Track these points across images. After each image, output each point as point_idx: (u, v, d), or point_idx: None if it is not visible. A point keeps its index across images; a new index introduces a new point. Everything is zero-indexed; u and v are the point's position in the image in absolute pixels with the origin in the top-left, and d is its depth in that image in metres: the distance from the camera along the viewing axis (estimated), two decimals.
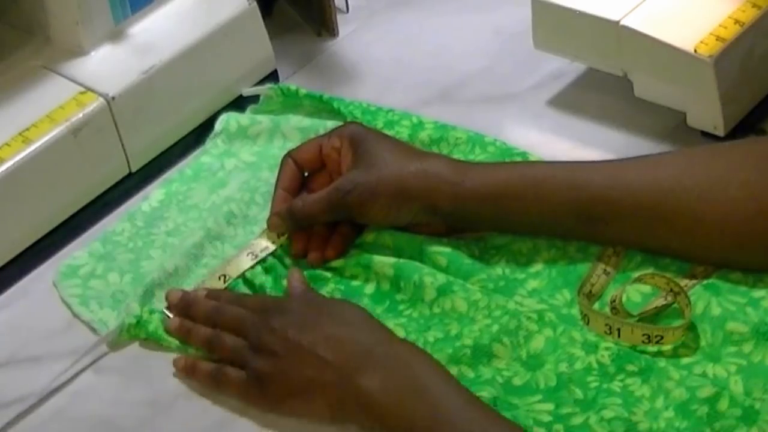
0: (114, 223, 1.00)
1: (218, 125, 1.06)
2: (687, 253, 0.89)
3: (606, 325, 0.87)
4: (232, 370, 0.85)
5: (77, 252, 0.97)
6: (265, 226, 0.96)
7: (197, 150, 1.06)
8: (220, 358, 0.87)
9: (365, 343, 0.82)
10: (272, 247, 0.95)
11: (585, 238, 0.92)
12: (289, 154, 0.97)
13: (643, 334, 0.85)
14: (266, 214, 0.97)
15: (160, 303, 0.92)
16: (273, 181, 1.00)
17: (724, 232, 0.87)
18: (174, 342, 0.90)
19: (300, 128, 1.06)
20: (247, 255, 0.94)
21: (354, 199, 0.92)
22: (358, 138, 0.94)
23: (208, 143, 1.06)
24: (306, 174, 0.98)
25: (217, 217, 0.99)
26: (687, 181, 0.87)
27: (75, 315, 0.93)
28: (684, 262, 0.90)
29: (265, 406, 0.85)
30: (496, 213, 0.91)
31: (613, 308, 0.88)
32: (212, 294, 0.91)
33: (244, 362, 0.85)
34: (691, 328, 0.86)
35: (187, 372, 0.88)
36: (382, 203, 0.92)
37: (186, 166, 1.04)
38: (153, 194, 1.02)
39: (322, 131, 1.05)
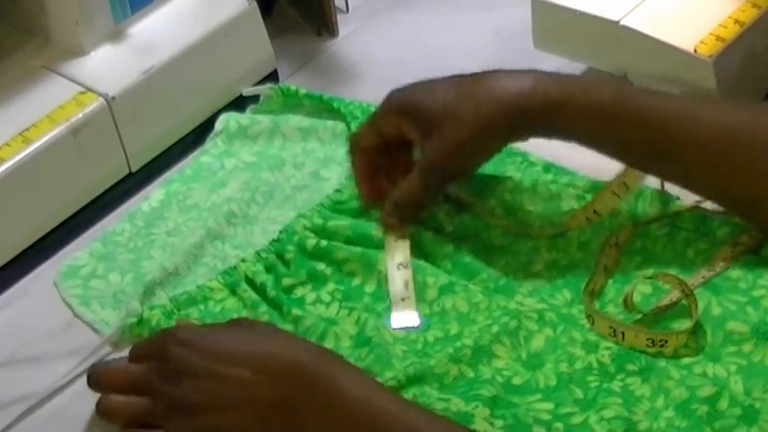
0: (114, 223, 1.00)
1: (218, 125, 1.06)
2: (745, 204, 0.88)
3: (610, 327, 0.87)
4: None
5: (77, 252, 0.98)
6: (268, 226, 0.96)
7: (197, 150, 1.06)
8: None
9: (289, 367, 0.78)
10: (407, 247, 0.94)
11: (655, 173, 0.91)
12: (353, 146, 0.96)
13: (648, 338, 0.85)
14: (267, 213, 0.97)
15: (160, 301, 0.92)
16: (273, 180, 1.00)
17: None
18: None
19: (300, 128, 1.06)
20: (398, 267, 0.93)
21: (446, 163, 0.91)
22: (411, 106, 0.92)
23: (208, 143, 1.06)
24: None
25: (217, 217, 0.99)
26: (761, 126, 0.86)
27: (76, 315, 0.93)
28: (683, 264, 0.90)
29: None
30: (584, 132, 0.89)
31: (625, 307, 0.88)
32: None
33: (159, 420, 0.80)
34: (692, 328, 0.86)
35: None
36: (472, 152, 0.91)
37: (186, 166, 1.04)
38: (153, 194, 1.02)
39: (322, 131, 1.05)
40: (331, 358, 0.79)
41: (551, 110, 0.88)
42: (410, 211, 0.94)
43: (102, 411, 0.83)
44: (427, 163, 0.92)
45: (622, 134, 0.88)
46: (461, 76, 0.92)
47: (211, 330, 0.84)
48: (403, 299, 0.90)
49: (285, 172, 1.02)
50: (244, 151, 1.05)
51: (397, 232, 0.94)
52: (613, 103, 0.87)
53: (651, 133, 0.87)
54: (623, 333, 0.86)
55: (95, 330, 0.92)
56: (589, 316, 0.88)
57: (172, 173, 1.04)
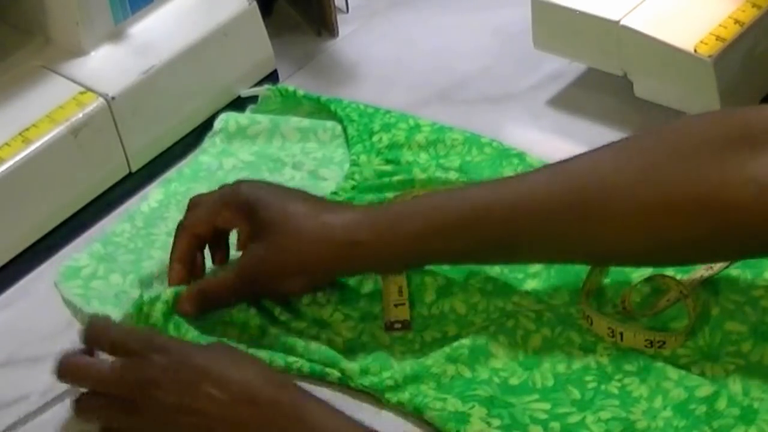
0: (114, 223, 1.00)
1: (217, 124, 1.06)
2: (599, 254, 0.85)
3: (609, 328, 0.87)
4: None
5: (77, 254, 0.97)
6: None
7: (196, 149, 1.06)
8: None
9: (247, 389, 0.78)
10: None
11: (500, 260, 0.89)
12: (182, 225, 0.91)
13: (646, 339, 0.85)
14: None
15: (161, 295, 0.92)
16: (272, 180, 0.99)
17: (636, 224, 0.82)
18: (174, 332, 0.89)
19: (299, 128, 1.06)
20: None
21: (263, 279, 0.88)
22: (250, 207, 0.88)
23: (206, 142, 1.05)
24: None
25: None
26: (599, 174, 0.83)
27: (78, 310, 0.93)
28: (682, 262, 0.90)
29: None
30: (417, 259, 0.88)
31: (623, 308, 0.88)
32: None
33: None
34: (689, 328, 0.86)
35: None
36: (293, 279, 0.88)
37: (184, 165, 1.04)
38: (152, 194, 1.01)
39: (321, 132, 1.05)
40: (304, 395, 0.79)
41: (379, 248, 0.86)
42: (212, 306, 0.90)
43: (80, 410, 0.83)
44: (247, 274, 0.88)
45: (456, 237, 0.85)
46: (315, 200, 0.89)
47: (190, 346, 0.83)
48: (396, 305, 0.90)
49: (284, 173, 1.02)
50: (243, 151, 1.05)
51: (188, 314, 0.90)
52: (438, 210, 0.85)
53: (485, 231, 0.84)
54: (622, 333, 0.86)
55: None
56: (587, 317, 0.88)
57: (170, 173, 1.04)
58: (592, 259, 0.87)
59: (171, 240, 0.97)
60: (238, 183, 0.91)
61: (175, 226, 0.95)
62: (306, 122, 1.06)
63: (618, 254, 0.85)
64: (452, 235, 0.85)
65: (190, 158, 1.05)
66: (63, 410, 0.88)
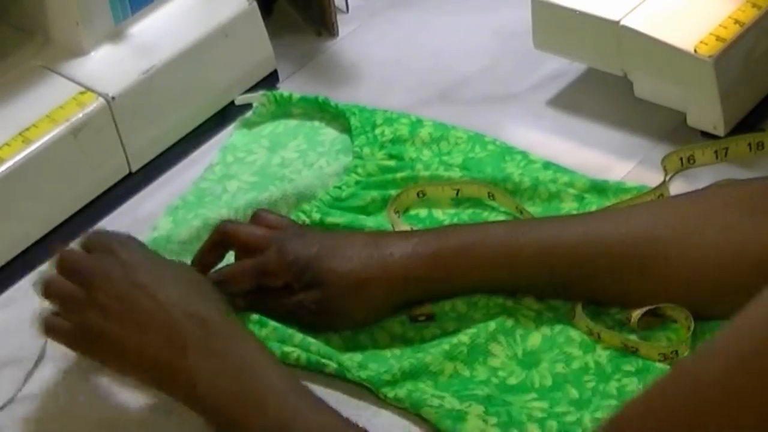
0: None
1: (215, 159, 1.05)
2: (660, 300, 0.86)
3: (587, 327, 0.87)
4: (58, 320, 0.85)
5: None
6: None
7: (195, 152, 1.06)
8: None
9: (197, 311, 0.81)
10: None
11: (559, 297, 0.89)
12: (225, 230, 0.90)
13: (622, 343, 0.86)
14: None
15: None
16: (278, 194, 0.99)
17: (702, 280, 0.84)
18: None
19: (298, 151, 1.05)
20: None
21: (317, 319, 0.88)
22: (291, 263, 0.87)
23: (206, 172, 1.04)
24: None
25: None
26: (662, 229, 0.85)
27: None
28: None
29: (93, 360, 0.85)
30: (458, 289, 0.89)
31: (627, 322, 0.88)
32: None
33: (71, 312, 0.84)
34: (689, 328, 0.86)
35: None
36: (349, 321, 0.88)
37: (188, 193, 1.02)
38: (161, 223, 1.00)
39: (319, 148, 1.04)
40: (240, 326, 0.83)
41: (442, 271, 0.87)
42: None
43: (42, 287, 0.86)
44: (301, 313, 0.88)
45: (522, 274, 0.87)
46: (368, 240, 0.89)
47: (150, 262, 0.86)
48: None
49: (288, 184, 1.01)
50: (244, 172, 1.04)
51: None
52: (505, 246, 0.86)
53: (552, 265, 0.86)
54: (599, 334, 0.86)
55: None
56: (570, 310, 0.88)
57: (174, 201, 1.02)
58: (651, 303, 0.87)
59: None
60: (285, 244, 0.88)
61: (184, 254, 0.95)
62: (304, 145, 1.05)
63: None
64: (515, 273, 0.87)
65: (191, 187, 1.03)
66: (62, 409, 0.88)
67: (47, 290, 0.86)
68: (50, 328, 0.86)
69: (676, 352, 0.85)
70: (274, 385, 0.79)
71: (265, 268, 0.88)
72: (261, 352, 0.81)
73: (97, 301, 0.83)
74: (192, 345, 0.80)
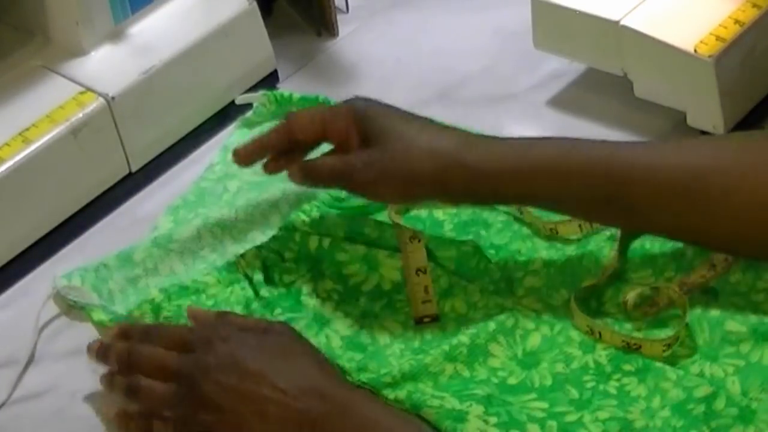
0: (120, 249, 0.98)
1: (216, 158, 1.05)
2: (711, 238, 0.86)
3: (587, 326, 0.87)
4: (161, 425, 0.81)
5: (85, 263, 0.96)
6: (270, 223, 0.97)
7: (195, 152, 1.06)
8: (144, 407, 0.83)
9: (314, 392, 0.79)
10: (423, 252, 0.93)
11: (612, 222, 0.89)
12: (288, 118, 0.92)
13: (622, 341, 0.86)
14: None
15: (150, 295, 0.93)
16: (279, 195, 0.99)
17: (753, 215, 0.83)
18: None
19: None
20: (416, 273, 0.92)
21: (363, 178, 0.88)
22: (365, 116, 0.90)
23: (206, 171, 1.04)
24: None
25: (221, 219, 0.98)
26: (723, 162, 0.84)
27: (73, 306, 0.93)
28: (682, 264, 0.90)
29: None
30: (519, 197, 0.88)
31: (625, 307, 0.88)
32: (121, 332, 0.87)
33: (171, 412, 0.81)
34: (689, 327, 0.86)
35: (119, 424, 0.84)
36: (393, 185, 0.88)
37: (188, 193, 1.03)
38: (161, 222, 1.00)
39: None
40: (349, 385, 0.82)
41: (493, 175, 0.86)
42: (310, 180, 0.91)
43: (129, 391, 0.83)
44: (353, 167, 0.89)
45: (569, 191, 0.85)
46: (425, 120, 0.90)
47: (248, 337, 0.83)
48: (423, 302, 0.91)
49: (288, 184, 1.01)
50: (245, 172, 1.03)
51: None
52: (557, 160, 0.85)
53: (600, 185, 0.85)
54: (600, 333, 0.86)
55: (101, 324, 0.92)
56: (570, 312, 0.88)
57: (175, 200, 1.02)
58: (701, 245, 0.88)
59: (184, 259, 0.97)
60: (351, 99, 0.92)
61: (185, 253, 0.95)
62: None
63: (729, 245, 0.86)
64: (565, 184, 0.85)
65: (192, 186, 1.03)
66: (63, 410, 0.88)
67: (132, 396, 0.83)
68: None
69: (677, 338, 0.85)
70: None
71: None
72: (382, 408, 0.80)
73: (208, 399, 0.79)
74: (319, 420, 0.78)
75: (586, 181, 0.85)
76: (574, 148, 0.86)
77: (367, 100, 0.92)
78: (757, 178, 0.83)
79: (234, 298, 0.92)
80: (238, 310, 0.91)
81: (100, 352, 0.87)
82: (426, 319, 0.90)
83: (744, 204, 0.83)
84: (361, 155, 0.89)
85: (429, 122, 0.90)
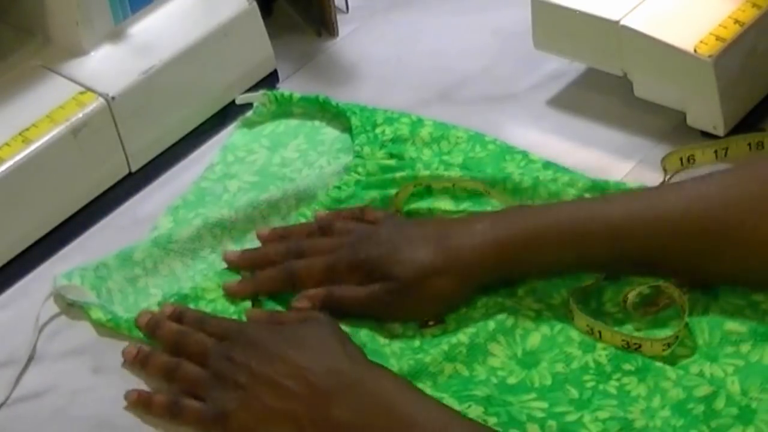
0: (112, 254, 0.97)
1: (215, 158, 1.05)
2: (735, 277, 0.87)
3: (587, 326, 0.87)
4: (191, 402, 0.83)
5: (84, 264, 0.96)
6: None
7: (195, 152, 1.06)
8: (178, 387, 0.85)
9: (333, 370, 0.80)
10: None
11: (634, 274, 0.89)
12: (292, 272, 0.91)
13: (623, 340, 0.86)
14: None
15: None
16: (279, 195, 0.99)
17: None
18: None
19: (298, 150, 1.05)
20: None
21: (390, 309, 0.89)
22: (373, 269, 0.90)
23: (206, 171, 1.04)
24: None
25: (222, 221, 0.98)
26: (733, 209, 0.85)
27: (70, 304, 0.94)
28: None
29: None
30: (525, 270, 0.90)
31: (624, 306, 0.88)
32: (175, 313, 0.89)
33: (204, 394, 0.83)
34: (689, 327, 0.86)
35: (140, 405, 0.85)
36: (421, 309, 0.89)
37: (188, 192, 1.03)
38: (161, 222, 1.00)
39: (320, 147, 1.04)
40: (382, 371, 0.82)
41: (509, 259, 0.88)
42: (334, 306, 0.90)
43: (168, 369, 0.86)
44: (378, 299, 0.89)
45: (590, 254, 0.87)
46: (436, 231, 0.90)
47: (280, 333, 0.85)
48: None
49: (289, 184, 1.01)
50: (245, 173, 1.04)
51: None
52: (573, 229, 0.87)
53: (622, 248, 0.86)
54: (600, 332, 0.86)
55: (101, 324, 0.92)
56: (569, 311, 0.88)
57: (175, 200, 1.02)
58: (727, 282, 0.88)
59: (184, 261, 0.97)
60: (353, 243, 0.91)
61: (185, 253, 0.96)
62: (304, 145, 1.05)
63: (756, 281, 0.87)
64: (583, 255, 0.87)
65: (191, 186, 1.03)
66: (63, 410, 0.88)
67: (170, 375, 0.86)
68: (178, 415, 0.84)
69: (677, 338, 0.85)
70: (426, 420, 0.78)
71: (336, 267, 0.90)
72: (408, 388, 0.81)
73: (230, 379, 0.82)
74: (336, 395, 0.79)
75: (614, 243, 0.86)
76: (588, 222, 0.87)
77: (371, 247, 0.91)
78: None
79: (233, 303, 0.92)
80: (236, 316, 0.91)
81: (150, 323, 0.89)
82: (431, 323, 0.89)
83: (757, 249, 0.84)
84: (379, 289, 0.89)
85: (431, 238, 0.89)
